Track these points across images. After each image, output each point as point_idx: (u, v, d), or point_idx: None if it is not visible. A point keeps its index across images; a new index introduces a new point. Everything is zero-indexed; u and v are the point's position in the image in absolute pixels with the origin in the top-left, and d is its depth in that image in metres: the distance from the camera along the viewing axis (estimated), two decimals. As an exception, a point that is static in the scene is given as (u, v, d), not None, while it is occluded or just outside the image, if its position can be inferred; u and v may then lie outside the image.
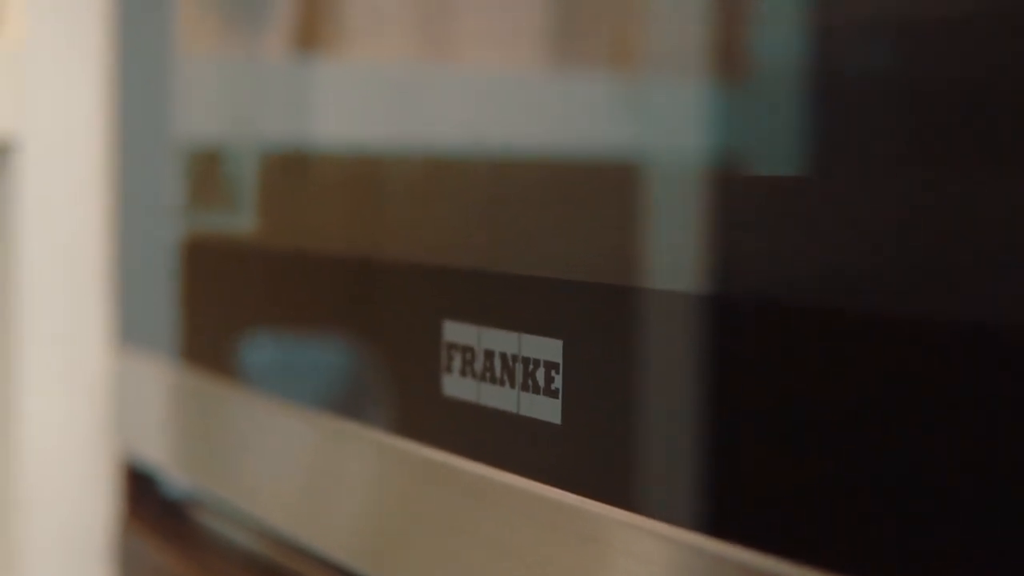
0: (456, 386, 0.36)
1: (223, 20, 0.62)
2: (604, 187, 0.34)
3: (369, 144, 0.57)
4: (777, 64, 0.30)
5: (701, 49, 0.34)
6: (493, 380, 0.34)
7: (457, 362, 0.36)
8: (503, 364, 0.34)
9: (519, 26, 0.52)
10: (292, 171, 0.52)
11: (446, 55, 0.64)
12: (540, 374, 0.33)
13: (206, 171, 0.54)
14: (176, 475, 0.56)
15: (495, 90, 0.63)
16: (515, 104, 0.55)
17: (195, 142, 0.57)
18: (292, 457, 0.47)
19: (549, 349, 0.33)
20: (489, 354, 0.35)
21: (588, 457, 0.31)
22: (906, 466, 0.24)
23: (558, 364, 0.32)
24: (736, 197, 0.29)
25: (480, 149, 0.46)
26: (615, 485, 0.31)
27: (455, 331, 0.36)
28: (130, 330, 0.57)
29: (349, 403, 0.44)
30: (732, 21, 0.32)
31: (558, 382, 0.32)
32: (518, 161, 0.42)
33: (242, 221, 0.51)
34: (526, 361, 0.33)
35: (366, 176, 0.49)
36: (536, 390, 0.33)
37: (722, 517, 0.28)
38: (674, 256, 0.30)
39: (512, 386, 0.34)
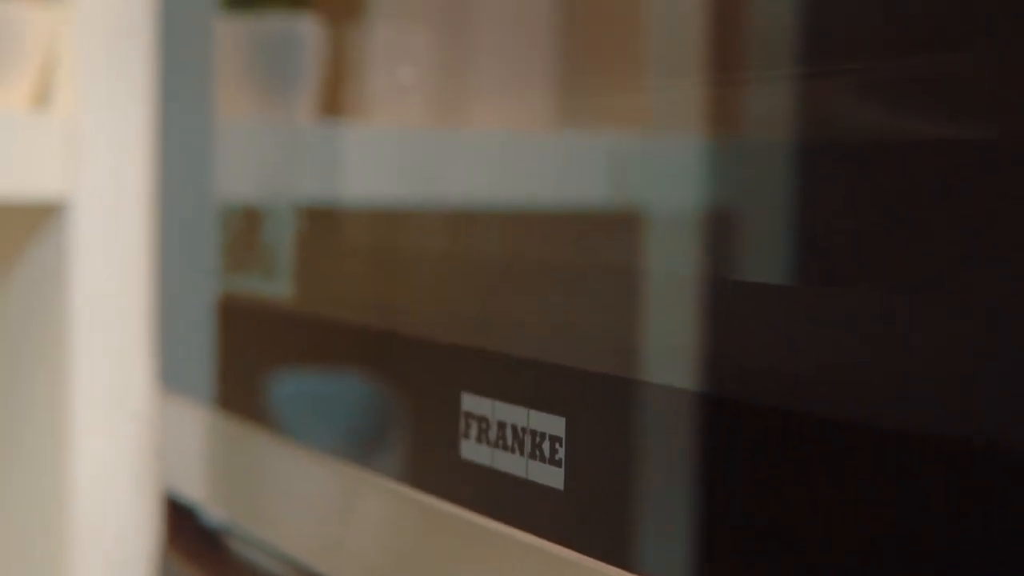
0: (472, 451, 0.41)
1: (259, 89, 0.67)
2: (607, 282, 0.39)
3: (391, 205, 0.62)
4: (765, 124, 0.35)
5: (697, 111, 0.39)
6: (505, 448, 0.40)
7: (474, 430, 0.41)
8: (514, 434, 0.39)
9: (528, 91, 0.58)
10: (320, 234, 0.57)
11: (459, 121, 0.69)
12: (546, 446, 0.38)
13: (242, 231, 0.59)
14: (211, 510, 0.62)
15: (506, 151, 0.69)
16: (524, 165, 0.61)
17: (233, 203, 0.62)
18: (316, 499, 0.52)
19: (554, 425, 0.38)
20: (502, 425, 0.40)
21: (587, 520, 0.37)
22: (881, 558, 0.29)
23: (561, 438, 0.37)
24: (728, 301, 0.34)
25: (489, 213, 0.51)
26: (611, 545, 0.36)
27: (472, 402, 0.41)
28: (171, 376, 0.62)
29: (371, 454, 0.49)
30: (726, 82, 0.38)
31: (561, 453, 0.37)
32: (525, 235, 0.47)
33: (275, 282, 0.56)
34: (534, 433, 0.39)
35: (388, 246, 0.54)
36: (542, 459, 0.38)
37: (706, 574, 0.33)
38: (667, 352, 0.35)
39: (521, 454, 0.39)
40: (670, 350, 0.35)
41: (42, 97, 0.64)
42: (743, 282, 0.34)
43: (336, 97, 0.71)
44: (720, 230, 0.36)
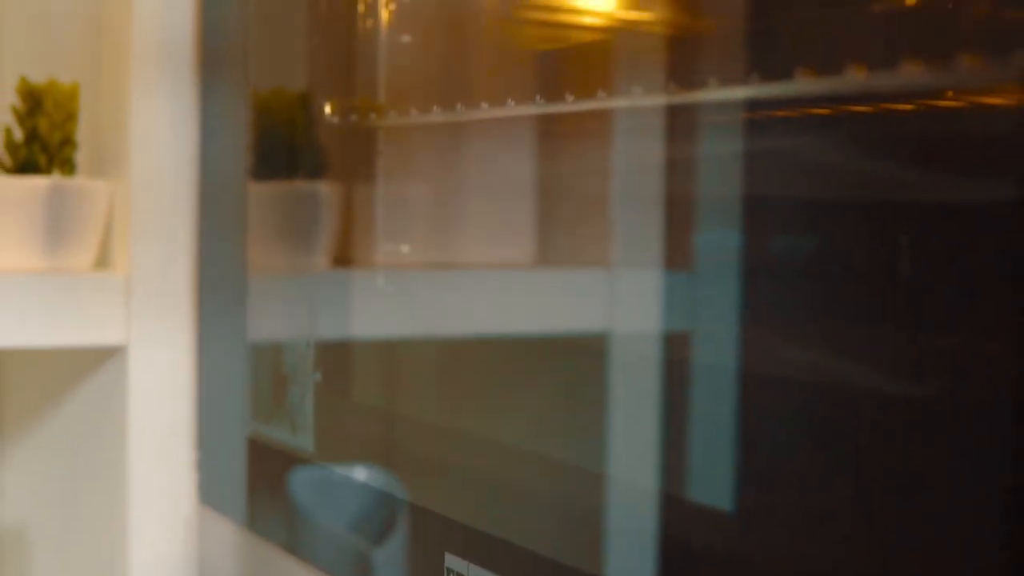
0: (452, 598, 0.54)
1: (284, 244, 0.80)
2: (569, 484, 0.52)
3: (396, 339, 0.75)
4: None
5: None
6: (477, 599, 0.52)
7: (453, 582, 0.54)
8: (484, 591, 0.52)
9: (511, 236, 0.71)
10: (334, 390, 0.70)
11: (451, 263, 0.83)
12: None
13: (269, 383, 0.72)
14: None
15: (492, 287, 0.82)
16: (508, 298, 0.75)
17: (262, 345, 0.74)
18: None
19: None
20: (475, 582, 0.52)
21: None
22: None
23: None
24: (678, 526, 0.46)
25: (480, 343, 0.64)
26: None
27: (453, 560, 0.54)
28: (209, 495, 0.75)
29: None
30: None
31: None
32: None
33: (296, 437, 0.69)
34: (499, 592, 0.51)
35: (390, 409, 0.67)
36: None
37: None
38: (621, 557, 0.47)
39: (489, 607, 0.51)
40: (623, 555, 0.47)
41: (102, 256, 0.77)
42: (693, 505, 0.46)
43: (348, 246, 0.84)
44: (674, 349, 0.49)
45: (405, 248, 0.84)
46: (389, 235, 0.83)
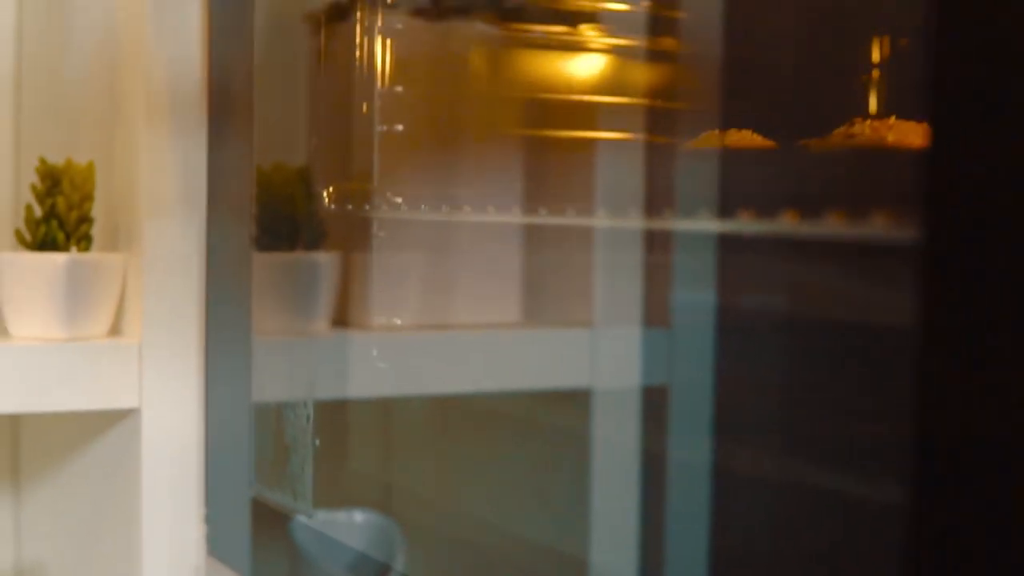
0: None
1: (286, 309, 0.85)
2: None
3: (392, 398, 0.81)
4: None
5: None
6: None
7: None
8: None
9: (499, 298, 0.77)
10: (333, 454, 0.75)
11: (444, 326, 0.88)
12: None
13: (271, 447, 0.77)
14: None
15: (482, 348, 0.88)
16: (496, 359, 0.80)
17: (265, 407, 0.80)
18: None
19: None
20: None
21: None
22: None
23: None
24: None
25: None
26: None
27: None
28: (217, 547, 0.80)
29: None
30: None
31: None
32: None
33: (297, 503, 0.74)
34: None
35: (386, 481, 0.73)
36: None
37: None
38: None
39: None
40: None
41: (116, 324, 0.82)
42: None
43: (347, 310, 0.89)
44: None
45: (400, 311, 0.89)
46: (385, 300, 0.88)
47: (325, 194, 0.83)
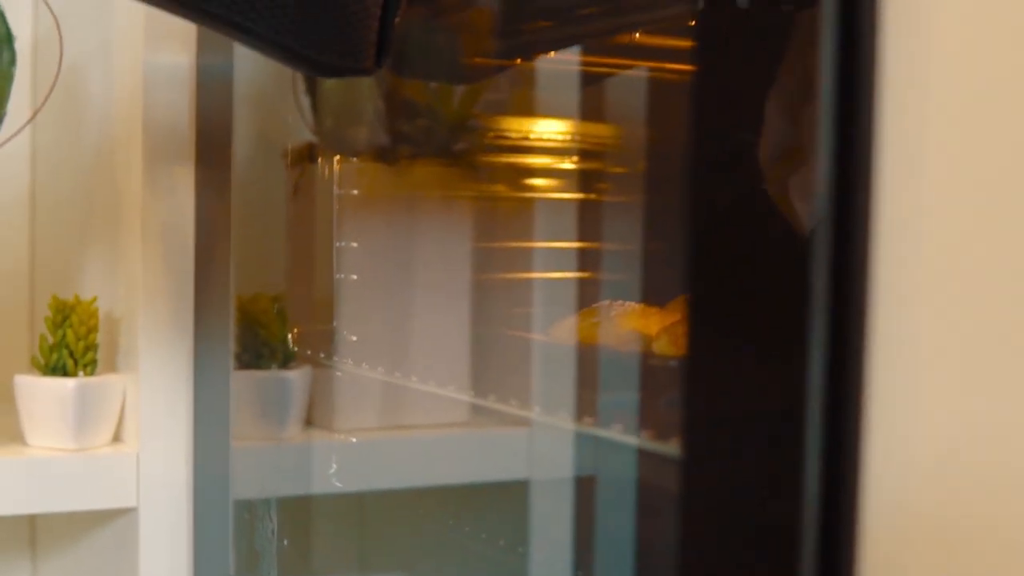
0: None
1: (260, 419, 0.99)
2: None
3: (358, 493, 0.95)
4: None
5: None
6: None
7: None
8: None
9: (450, 403, 0.91)
10: (297, 548, 0.89)
11: (401, 428, 1.03)
12: None
13: (246, 534, 0.91)
14: None
15: (434, 446, 1.03)
16: (446, 455, 0.95)
17: (242, 502, 0.94)
18: None
19: None
20: None
21: None
22: None
23: None
24: None
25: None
26: None
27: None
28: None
29: None
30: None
31: None
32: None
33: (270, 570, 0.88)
34: None
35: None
36: None
37: None
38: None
39: None
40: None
41: (117, 433, 0.96)
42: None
43: (313, 416, 1.03)
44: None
45: (362, 416, 1.03)
46: (349, 407, 1.03)
47: (290, 336, 0.98)
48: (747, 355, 0.48)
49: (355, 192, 0.99)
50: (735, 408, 0.49)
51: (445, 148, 1.05)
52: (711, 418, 0.51)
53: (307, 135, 1.06)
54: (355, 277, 0.99)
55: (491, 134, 1.06)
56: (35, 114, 1.07)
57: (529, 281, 1.01)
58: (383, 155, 1.03)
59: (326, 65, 0.70)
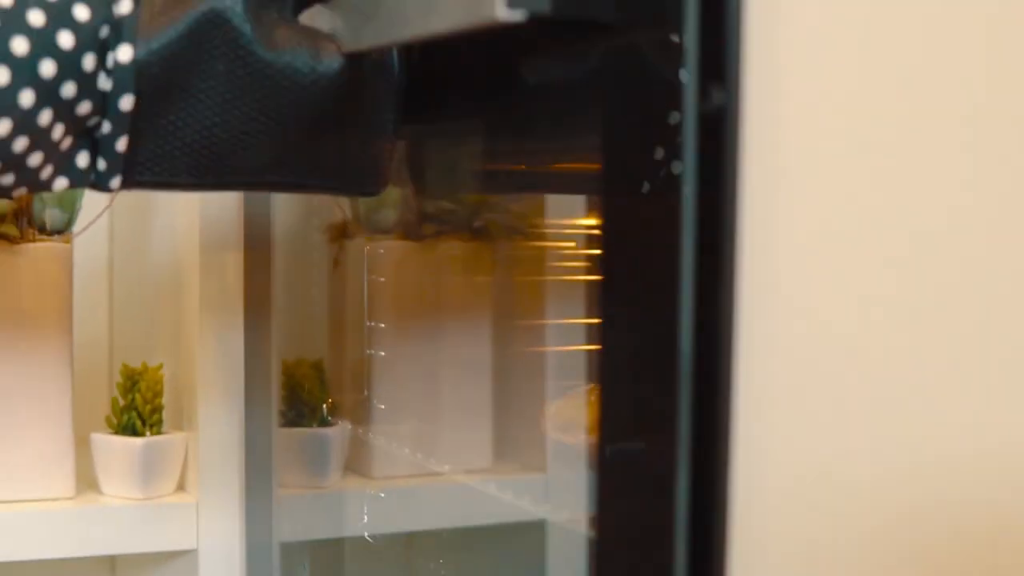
0: None
1: (303, 473, 1.13)
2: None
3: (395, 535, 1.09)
4: None
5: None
6: None
7: None
8: None
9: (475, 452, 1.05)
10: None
11: (432, 474, 1.16)
12: None
13: (292, 563, 1.05)
14: None
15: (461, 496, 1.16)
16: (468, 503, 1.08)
17: (288, 543, 1.08)
18: None
19: None
20: None
21: None
22: None
23: None
24: None
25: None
26: None
27: None
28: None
29: None
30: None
31: None
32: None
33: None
34: None
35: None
36: None
37: None
38: None
39: None
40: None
41: (180, 482, 1.11)
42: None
43: (352, 463, 1.17)
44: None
45: (396, 464, 1.16)
46: (384, 457, 1.16)
47: (325, 406, 1.12)
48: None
49: (382, 279, 1.13)
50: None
51: (467, 225, 1.18)
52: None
53: (344, 212, 1.20)
54: (383, 354, 1.13)
55: (510, 214, 1.19)
56: (112, 199, 1.22)
57: (543, 353, 1.13)
58: (409, 232, 1.16)
59: (341, 192, 0.83)
